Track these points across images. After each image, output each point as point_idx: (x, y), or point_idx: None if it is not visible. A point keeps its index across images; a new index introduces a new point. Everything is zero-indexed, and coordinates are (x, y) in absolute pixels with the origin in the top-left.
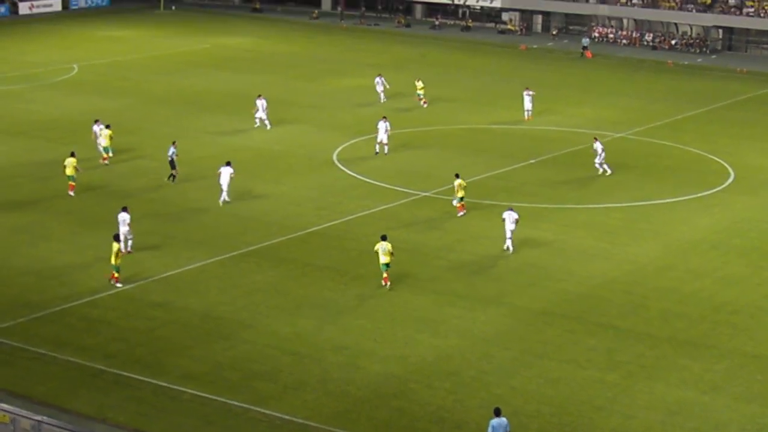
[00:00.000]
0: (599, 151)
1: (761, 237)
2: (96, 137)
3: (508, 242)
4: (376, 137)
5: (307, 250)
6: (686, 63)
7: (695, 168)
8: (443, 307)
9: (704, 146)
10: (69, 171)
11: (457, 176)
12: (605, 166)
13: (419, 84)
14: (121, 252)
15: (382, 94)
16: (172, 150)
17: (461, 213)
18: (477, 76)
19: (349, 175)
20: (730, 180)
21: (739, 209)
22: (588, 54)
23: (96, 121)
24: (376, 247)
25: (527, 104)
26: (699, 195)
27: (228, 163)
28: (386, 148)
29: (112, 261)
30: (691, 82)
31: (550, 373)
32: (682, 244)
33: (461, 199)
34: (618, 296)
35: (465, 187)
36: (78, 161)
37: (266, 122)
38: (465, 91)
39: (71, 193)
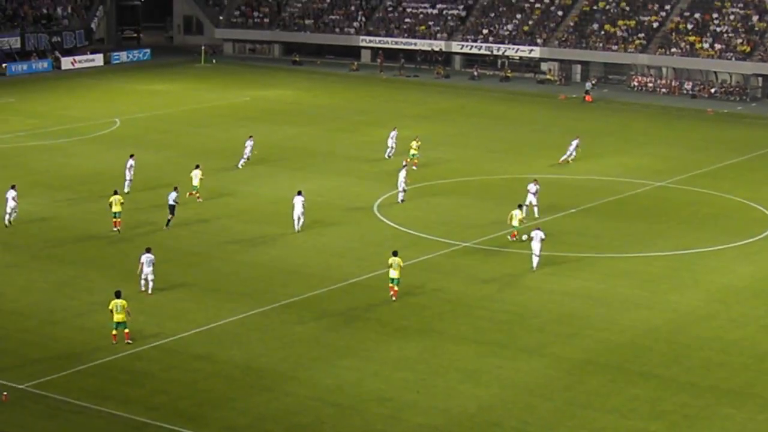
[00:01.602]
0: (532, 191)
1: None
2: (125, 170)
3: (535, 259)
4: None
5: (349, 301)
6: (726, 111)
7: (736, 216)
8: (485, 357)
9: (745, 194)
10: (115, 208)
11: (520, 206)
12: (535, 210)
13: (415, 144)
14: (144, 292)
15: (392, 150)
16: (174, 195)
17: (512, 238)
18: (516, 126)
19: (390, 225)
20: None
21: None
22: (588, 98)
23: (131, 156)
24: (390, 261)
25: (572, 150)
26: (741, 243)
27: (299, 193)
28: (402, 195)
29: (119, 318)
30: (731, 130)
31: (594, 424)
32: (724, 292)
33: (516, 225)
34: (660, 345)
35: (522, 219)
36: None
37: (244, 159)
38: (504, 142)
39: (117, 228)
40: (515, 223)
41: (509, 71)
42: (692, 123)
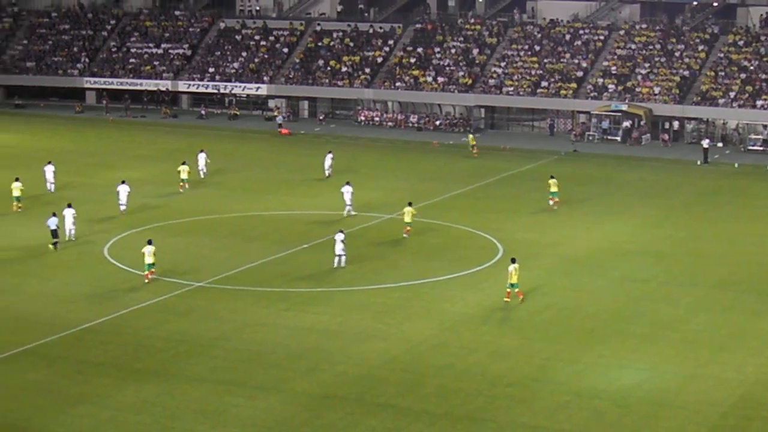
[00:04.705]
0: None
1: (531, 310)
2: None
3: (336, 260)
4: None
5: (82, 347)
6: (451, 143)
7: (465, 245)
8: (223, 396)
9: (473, 223)
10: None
11: (410, 204)
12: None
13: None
14: None
15: (202, 172)
16: (54, 219)
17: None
18: (246, 164)
19: (122, 268)
20: (499, 255)
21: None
22: (283, 131)
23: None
24: (143, 250)
25: (327, 162)
26: (470, 271)
27: (69, 205)
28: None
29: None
30: (457, 161)
31: None
32: (455, 320)
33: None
34: (396, 375)
35: (414, 213)
36: None
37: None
38: (235, 180)
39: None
40: (407, 219)
41: (237, 109)
42: (419, 155)
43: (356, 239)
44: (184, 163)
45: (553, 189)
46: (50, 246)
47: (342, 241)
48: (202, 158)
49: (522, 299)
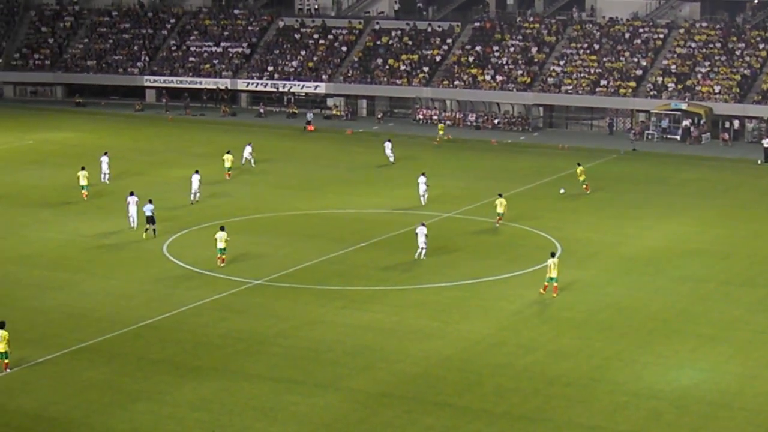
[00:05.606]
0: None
1: (590, 309)
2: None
3: (422, 252)
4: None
5: (141, 344)
6: (510, 141)
7: (523, 244)
8: (281, 394)
9: (531, 222)
10: (83, 181)
11: (500, 195)
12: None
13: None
14: None
15: (245, 159)
16: (150, 206)
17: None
18: (304, 162)
19: (180, 266)
20: (558, 254)
21: (568, 283)
22: (310, 127)
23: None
24: (215, 236)
25: (422, 189)
26: (528, 270)
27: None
28: (197, 196)
29: None
30: (515, 159)
31: None
32: (512, 319)
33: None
34: (453, 374)
35: (505, 205)
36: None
37: (251, 162)
38: (293, 177)
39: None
40: (500, 209)
41: (295, 107)
42: (477, 154)
43: (413, 238)
44: (228, 152)
45: (582, 177)
46: (143, 234)
47: (425, 234)
48: (247, 150)
49: (557, 295)
